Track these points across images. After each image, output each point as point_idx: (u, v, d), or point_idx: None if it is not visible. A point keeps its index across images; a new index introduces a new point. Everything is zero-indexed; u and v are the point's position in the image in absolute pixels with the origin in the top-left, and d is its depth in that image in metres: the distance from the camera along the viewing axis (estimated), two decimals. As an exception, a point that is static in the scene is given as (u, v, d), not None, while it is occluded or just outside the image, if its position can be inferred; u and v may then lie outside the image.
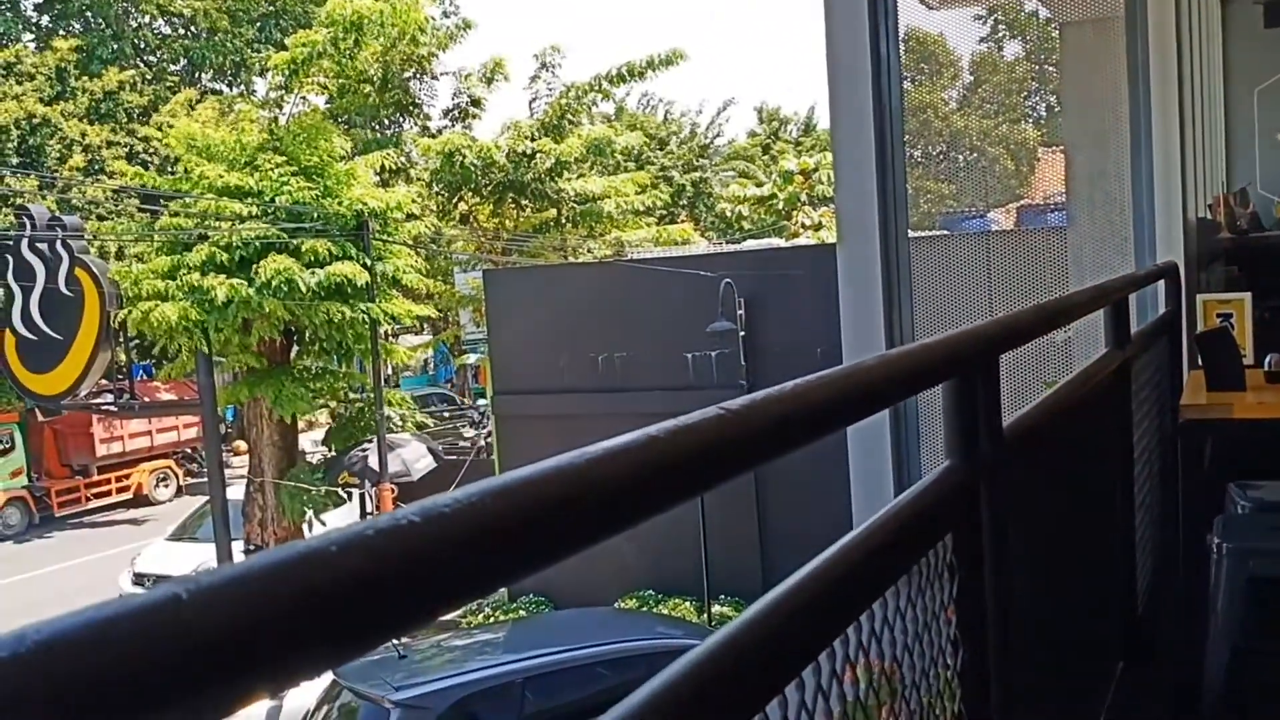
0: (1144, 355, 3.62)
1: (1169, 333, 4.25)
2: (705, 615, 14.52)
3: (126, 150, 26.23)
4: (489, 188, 23.23)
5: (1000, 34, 9.31)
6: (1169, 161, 4.96)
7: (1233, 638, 3.24)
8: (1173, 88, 4.97)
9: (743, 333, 15.09)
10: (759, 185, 31.16)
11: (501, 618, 15.27)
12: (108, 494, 25.07)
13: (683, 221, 30.79)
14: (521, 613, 15.60)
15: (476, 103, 25.06)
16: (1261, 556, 3.26)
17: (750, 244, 24.62)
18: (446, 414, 28.27)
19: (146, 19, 29.32)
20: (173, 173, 16.93)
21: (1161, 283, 4.35)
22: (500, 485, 0.64)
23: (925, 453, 4.92)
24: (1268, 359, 4.27)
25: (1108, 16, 5.54)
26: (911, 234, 5.12)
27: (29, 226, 15.74)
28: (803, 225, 27.70)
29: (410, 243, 18.13)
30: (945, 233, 7.18)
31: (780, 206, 28.87)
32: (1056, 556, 2.39)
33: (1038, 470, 2.12)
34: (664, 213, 29.84)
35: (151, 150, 25.74)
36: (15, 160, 25.03)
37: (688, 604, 15.12)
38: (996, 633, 1.58)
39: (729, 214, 30.88)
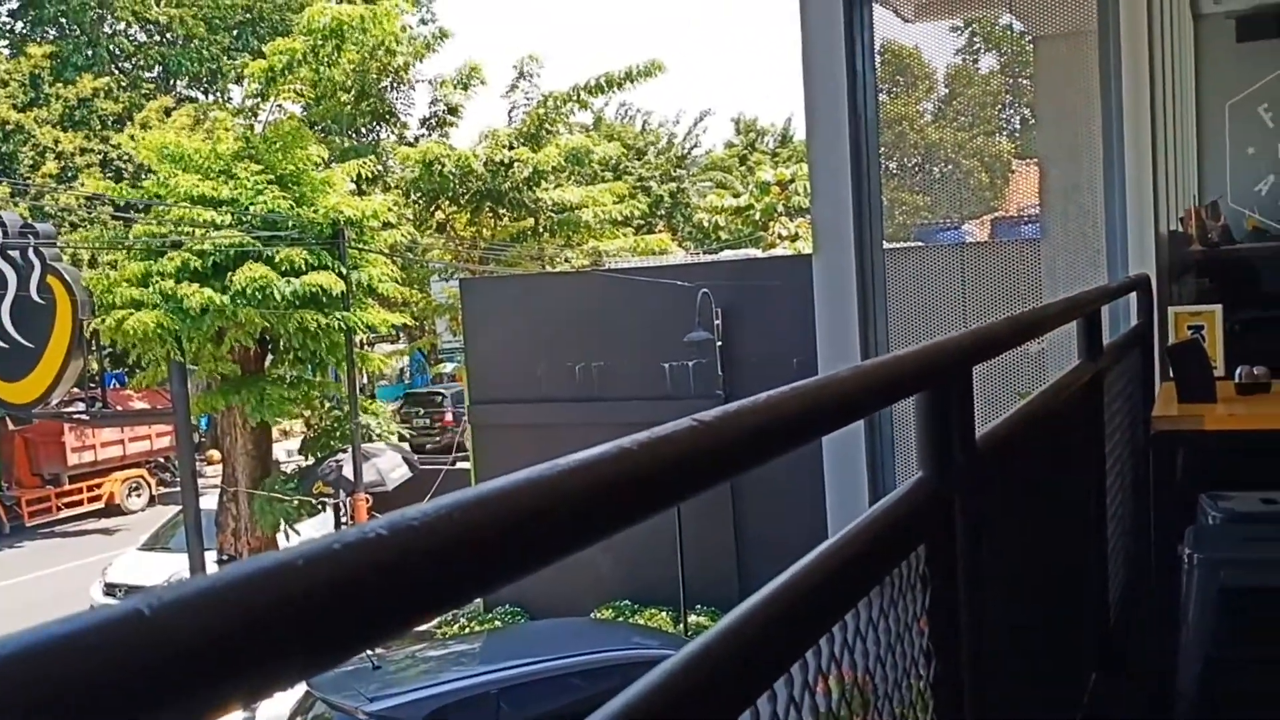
0: (1116, 367, 3.64)
1: (1141, 344, 4.28)
2: (681, 625, 14.51)
3: (100, 158, 26.07)
4: (466, 196, 23.21)
5: (975, 47, 9.38)
6: (1141, 174, 5.01)
7: (1204, 648, 3.26)
8: (1145, 101, 5.01)
9: (720, 343, 15.12)
10: (736, 196, 31.27)
11: (477, 628, 15.21)
12: (79, 503, 24.84)
13: (660, 231, 30.86)
14: (497, 623, 15.55)
15: (454, 110, 25.05)
16: (1232, 567, 3.28)
17: (727, 254, 24.71)
18: None
19: (122, 26, 29.15)
20: (147, 179, 16.80)
21: (1133, 295, 4.39)
22: (471, 497, 0.63)
23: (900, 463, 4.93)
24: (1238, 371, 4.31)
25: (1081, 30, 5.58)
26: (887, 245, 5.15)
27: (0, 234, 15.60)
28: (779, 236, 27.80)
29: (386, 251, 18.08)
30: (920, 244, 7.22)
31: (757, 217, 28.97)
32: (1029, 567, 2.40)
33: (1011, 481, 2.13)
34: (641, 223, 29.89)
35: (125, 158, 25.59)
36: (-13, 167, 24.87)
37: (664, 614, 15.10)
38: (969, 643, 1.59)
39: (706, 224, 30.95)
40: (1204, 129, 5.89)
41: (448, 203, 23.67)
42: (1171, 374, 4.31)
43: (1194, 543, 3.36)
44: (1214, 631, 3.25)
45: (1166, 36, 5.39)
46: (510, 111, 24.56)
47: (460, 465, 19.46)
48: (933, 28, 6.88)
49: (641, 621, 14.91)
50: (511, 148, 22.92)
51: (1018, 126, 8.77)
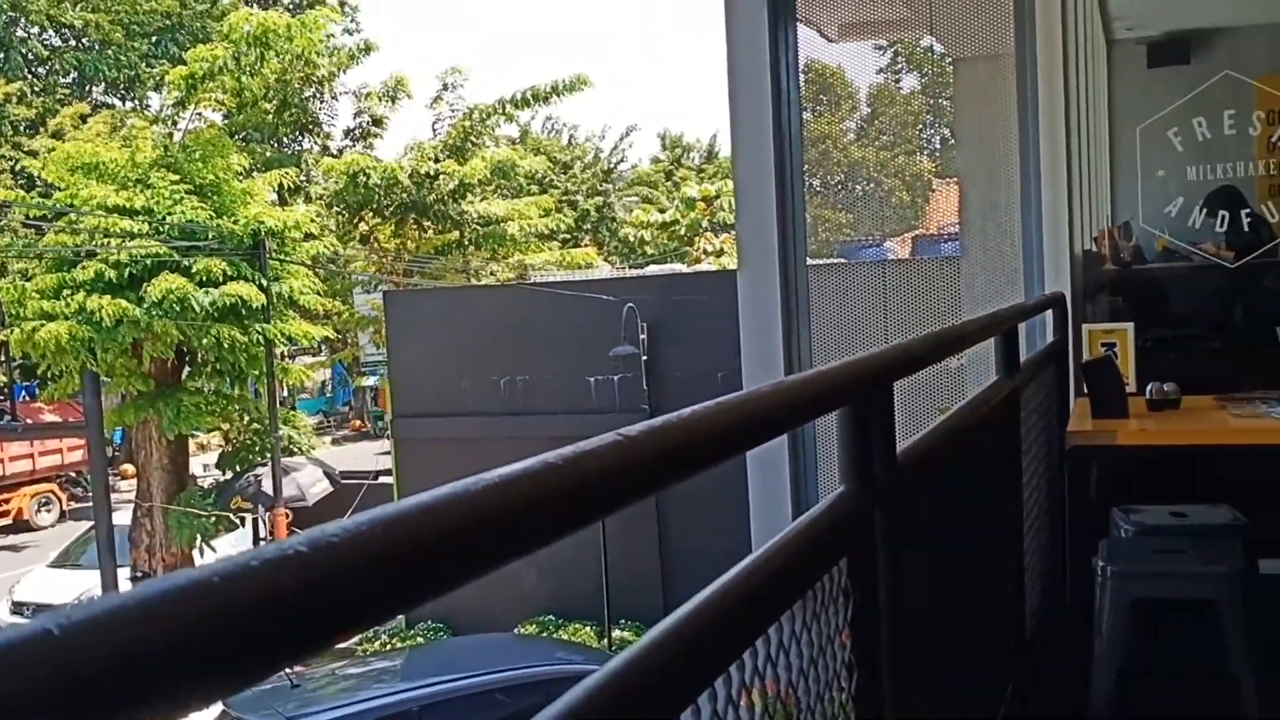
0: (1033, 383, 3.71)
1: (1056, 361, 4.38)
2: (606, 640, 14.47)
3: (11, 164, 25.38)
4: (391, 208, 23.00)
5: (897, 68, 9.52)
6: (1057, 195, 5.12)
7: (1118, 658, 3.33)
8: (1060, 124, 5.13)
9: (645, 357, 15.14)
10: (662, 211, 31.39)
11: (398, 644, 15.02)
12: (-15, 519, 24.14)
13: (586, 245, 30.87)
14: (419, 639, 15.36)
15: (378, 122, 24.85)
16: (1144, 579, 3.36)
17: (653, 269, 24.78)
18: None
19: (36, 30, 28.43)
20: (56, 189, 16.38)
21: (1049, 312, 4.48)
22: (392, 514, 0.63)
23: (823, 477, 4.98)
24: (1149, 388, 4.42)
25: (999, 54, 5.70)
26: (810, 261, 5.20)
27: (-95, 241, 15.13)
28: (705, 251, 27.96)
29: (308, 263, 17.82)
30: (843, 261, 7.30)
31: (682, 232, 29.11)
32: (949, 580, 2.44)
33: (931, 495, 2.16)
34: (567, 236, 29.85)
35: (40, 164, 24.95)
36: (-108, 172, 24.06)
37: (588, 629, 15.05)
38: (890, 656, 1.61)
39: (632, 239, 31.01)
40: (1116, 152, 6.04)
41: (372, 214, 23.44)
42: (1085, 390, 4.41)
43: (1107, 555, 3.43)
44: (1126, 642, 3.32)
45: (1081, 61, 5.53)
46: (435, 124, 24.43)
47: (383, 480, 19.24)
48: (856, 48, 6.97)
49: (565, 636, 14.84)
50: (437, 160, 22.77)
51: (938, 146, 8.92)
